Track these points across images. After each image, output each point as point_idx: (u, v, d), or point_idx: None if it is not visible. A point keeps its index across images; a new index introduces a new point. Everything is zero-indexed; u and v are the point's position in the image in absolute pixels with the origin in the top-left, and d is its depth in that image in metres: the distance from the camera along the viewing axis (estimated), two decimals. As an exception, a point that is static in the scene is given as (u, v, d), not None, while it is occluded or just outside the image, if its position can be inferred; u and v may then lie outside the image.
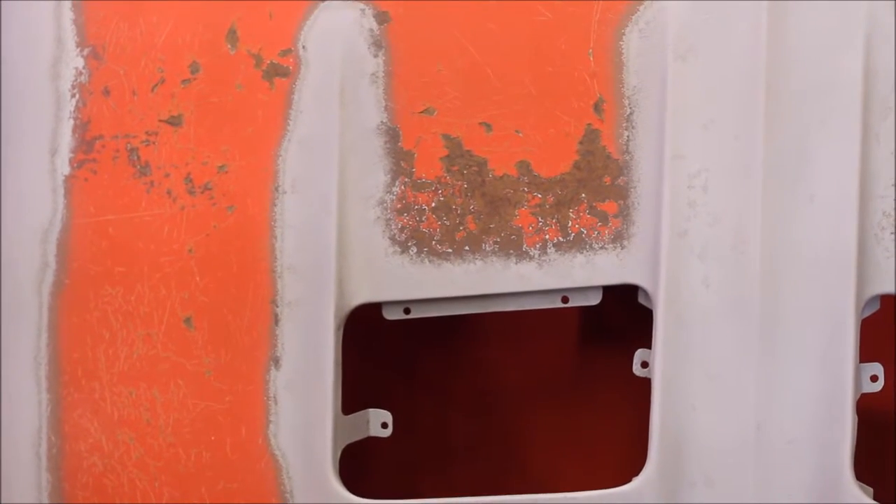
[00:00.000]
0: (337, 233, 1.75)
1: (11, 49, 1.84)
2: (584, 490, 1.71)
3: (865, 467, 1.70)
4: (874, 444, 1.88)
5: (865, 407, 1.70)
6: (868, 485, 1.68)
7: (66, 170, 1.82)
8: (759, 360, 1.67)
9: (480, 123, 1.74)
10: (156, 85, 1.81)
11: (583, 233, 1.72)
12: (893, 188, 1.65)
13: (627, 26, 1.71)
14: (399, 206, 1.75)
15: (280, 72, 1.78)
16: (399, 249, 1.75)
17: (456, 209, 1.74)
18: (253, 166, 1.78)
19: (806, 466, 1.66)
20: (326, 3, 1.77)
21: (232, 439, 1.78)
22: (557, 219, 1.72)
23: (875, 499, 1.65)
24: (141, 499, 1.80)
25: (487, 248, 1.74)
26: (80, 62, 1.83)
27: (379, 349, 2.28)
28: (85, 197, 1.83)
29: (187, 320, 1.79)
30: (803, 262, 1.66)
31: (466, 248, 1.74)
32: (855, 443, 1.64)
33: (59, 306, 1.81)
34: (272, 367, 1.77)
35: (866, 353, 1.68)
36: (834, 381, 1.65)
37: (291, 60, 1.78)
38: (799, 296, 1.66)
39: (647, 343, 1.72)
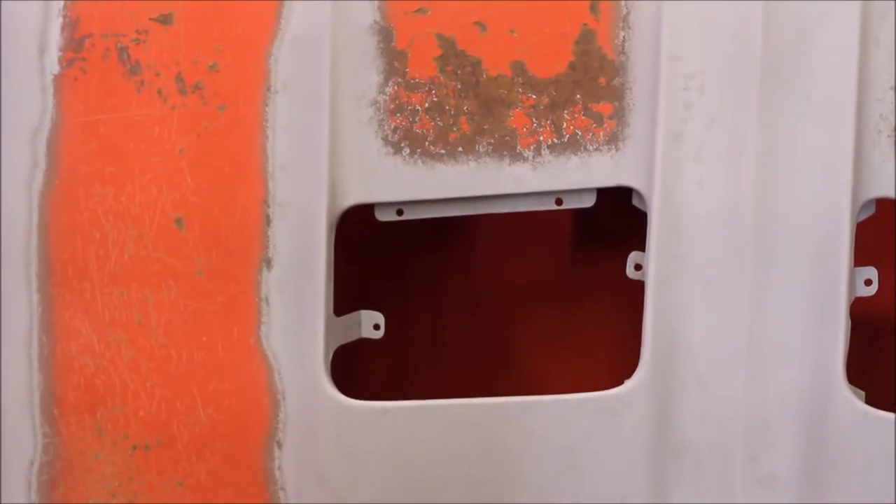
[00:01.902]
0: (329, 133, 1.73)
1: (-2, -54, 1.81)
2: (577, 391, 1.71)
3: (858, 372, 1.70)
4: (867, 349, 1.88)
5: (859, 311, 1.69)
6: (860, 389, 1.68)
7: (55, 69, 1.80)
8: (753, 263, 1.66)
9: (474, 23, 1.71)
10: (146, -18, 1.78)
11: (577, 134, 1.70)
12: (891, 91, 1.63)
13: (625, -77, 1.68)
14: (392, 106, 1.73)
15: (272, -31, 1.75)
16: (392, 150, 1.74)
17: (449, 110, 1.72)
18: (244, 66, 1.76)
19: (798, 369, 1.66)
20: None
21: (223, 340, 1.77)
22: (552, 120, 1.71)
23: (867, 403, 1.65)
24: (132, 399, 1.79)
25: (481, 150, 1.72)
26: (67, -42, 1.80)
27: (371, 252, 2.27)
28: (74, 97, 1.80)
29: (178, 221, 1.77)
30: (799, 165, 1.65)
31: (460, 149, 1.72)
32: (848, 347, 1.63)
33: (49, 206, 1.80)
34: (264, 268, 1.76)
35: (861, 258, 1.67)
36: (828, 284, 1.64)
37: (284, -42, 1.75)
38: (794, 198, 1.65)
39: (640, 246, 1.71)
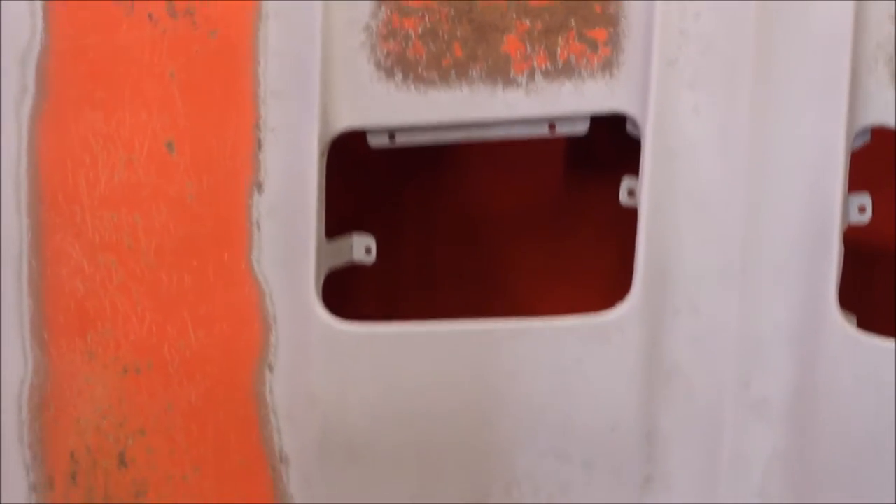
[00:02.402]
0: (321, 58, 1.72)
1: None
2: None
3: (851, 298, 1.70)
4: (860, 276, 1.88)
5: (852, 238, 1.68)
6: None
7: (44, -8, 1.78)
8: (747, 189, 1.65)
9: (469, -53, 1.70)
10: None
11: (571, 60, 1.69)
12: (889, 19, 1.61)
13: None
14: (384, 31, 1.72)
15: None
16: (384, 75, 1.72)
17: (442, 35, 1.71)
18: (235, -10, 1.74)
19: (791, 295, 1.66)
20: None
21: (214, 264, 1.77)
22: (546, 45, 1.69)
23: (859, 328, 1.65)
24: (123, 322, 1.79)
25: (474, 75, 1.71)
26: None
27: (363, 178, 2.26)
28: (64, 20, 1.79)
29: (169, 145, 1.76)
30: (795, 91, 1.64)
31: (453, 74, 1.71)
32: (840, 273, 1.63)
33: (38, 130, 1.79)
34: (255, 192, 1.75)
35: (856, 185, 1.67)
36: (821, 210, 1.63)
37: None
38: (790, 124, 1.64)
39: (633, 176, 1.70)
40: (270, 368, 1.77)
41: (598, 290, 1.86)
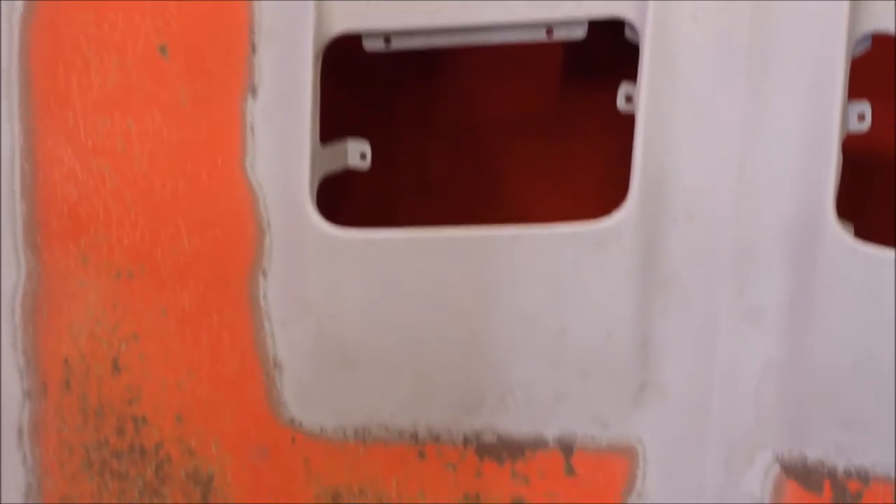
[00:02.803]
0: (316, -40, 1.69)
1: None
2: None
3: (848, 207, 1.69)
4: (859, 185, 1.87)
5: (851, 147, 1.67)
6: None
7: None
8: (746, 96, 1.64)
9: None
10: None
11: (570, -37, 1.67)
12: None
13: None
14: (381, -68, 1.69)
15: None
16: (380, -22, 1.70)
17: (441, -63, 1.68)
18: None
19: (788, 202, 1.65)
20: None
21: (208, 169, 1.75)
22: (544, -51, 1.67)
23: (856, 237, 1.64)
24: (116, 227, 1.78)
25: (471, -22, 1.68)
26: None
27: (358, 84, 2.24)
28: (54, -80, 1.76)
29: (162, 49, 1.74)
30: (796, -4, 1.62)
31: (450, -23, 1.69)
32: (839, 181, 1.62)
33: (29, 35, 1.77)
34: (249, 97, 1.73)
35: (856, 94, 1.65)
36: (820, 118, 1.62)
37: None
38: (789, 31, 1.62)
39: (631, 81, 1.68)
40: (264, 274, 1.77)
41: (593, 198, 1.84)
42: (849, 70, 1.61)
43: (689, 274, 1.68)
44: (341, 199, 1.89)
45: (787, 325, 1.68)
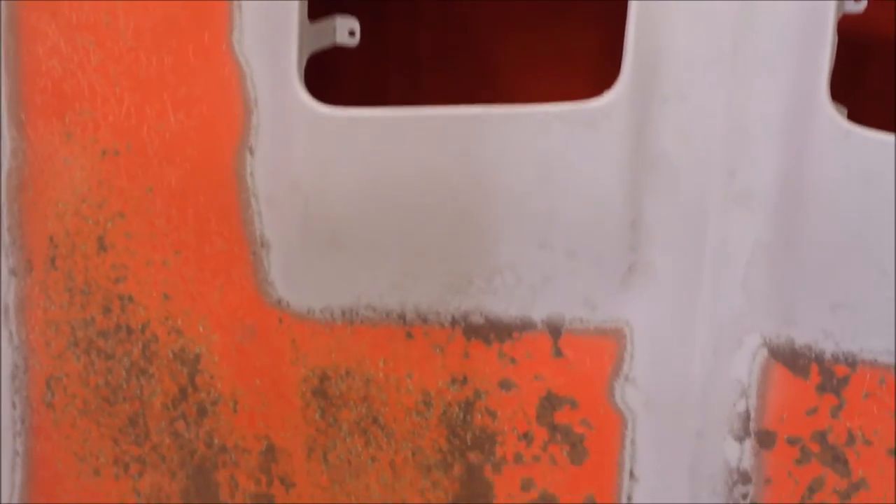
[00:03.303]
0: None
1: None
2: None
3: (843, 90, 1.67)
4: (853, 68, 1.85)
5: (847, 28, 1.65)
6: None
7: None
8: (741, -25, 1.61)
9: None
10: None
11: None
12: None
13: None
14: None
15: None
16: None
17: None
18: None
19: (781, 83, 1.63)
20: None
21: (194, 45, 1.73)
22: None
23: (850, 120, 1.63)
24: (101, 103, 1.76)
25: None
26: None
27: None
28: None
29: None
30: None
31: None
32: (833, 63, 1.60)
33: None
34: (236, -29, 1.70)
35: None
36: (816, -3, 1.59)
37: None
38: None
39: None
40: (251, 152, 1.75)
41: (585, 78, 1.82)
42: (846, -54, 1.59)
43: (680, 154, 1.67)
44: (330, 80, 1.86)
45: (778, 209, 1.67)
